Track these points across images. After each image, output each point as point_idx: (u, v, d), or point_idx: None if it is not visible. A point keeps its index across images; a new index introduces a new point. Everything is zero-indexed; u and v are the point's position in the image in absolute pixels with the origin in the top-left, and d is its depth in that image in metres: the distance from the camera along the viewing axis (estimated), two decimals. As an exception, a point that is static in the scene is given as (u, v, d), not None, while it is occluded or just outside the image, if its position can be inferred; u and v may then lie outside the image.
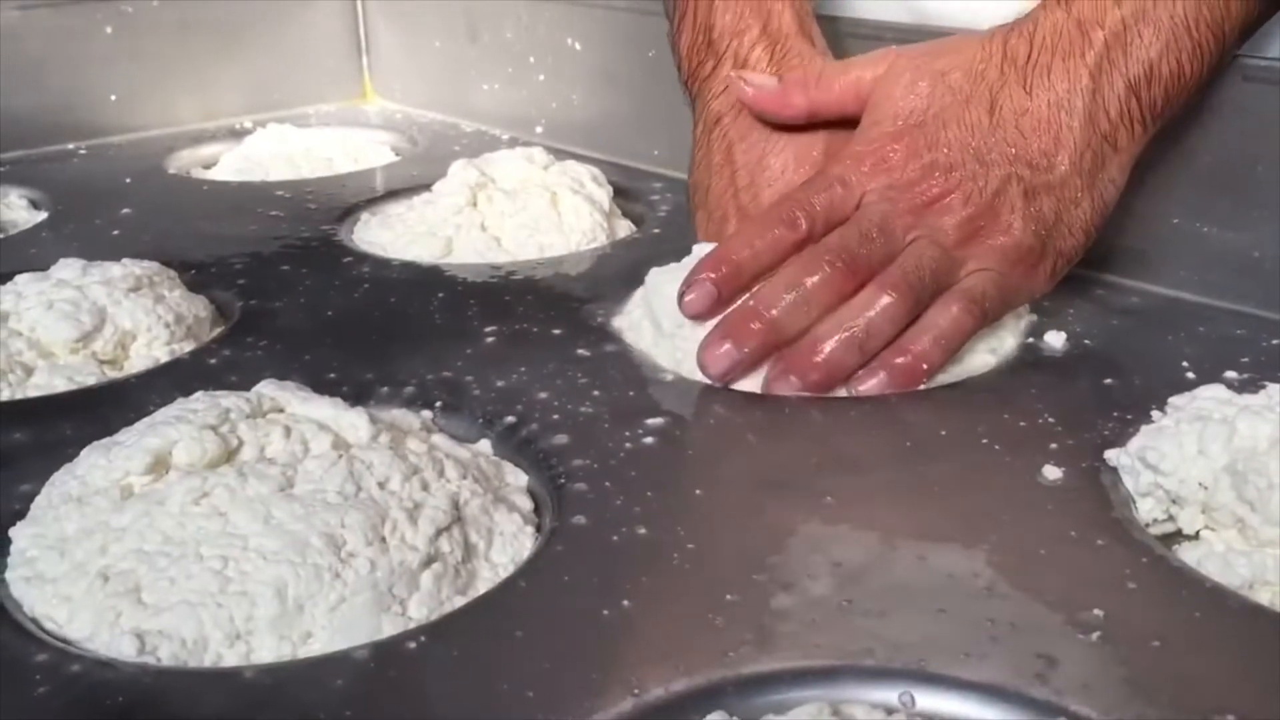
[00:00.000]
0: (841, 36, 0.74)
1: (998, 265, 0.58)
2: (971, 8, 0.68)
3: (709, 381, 0.57)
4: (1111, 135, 0.58)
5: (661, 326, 0.60)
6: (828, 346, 0.55)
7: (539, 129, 1.02)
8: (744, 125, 0.66)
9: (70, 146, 1.06)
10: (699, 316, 0.58)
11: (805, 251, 0.57)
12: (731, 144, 0.67)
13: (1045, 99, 0.58)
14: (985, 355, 0.59)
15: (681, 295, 0.58)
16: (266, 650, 0.40)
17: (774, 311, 0.56)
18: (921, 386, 0.56)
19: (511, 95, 1.05)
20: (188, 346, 0.64)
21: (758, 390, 0.56)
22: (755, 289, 0.57)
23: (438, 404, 0.56)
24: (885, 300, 0.55)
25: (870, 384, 0.56)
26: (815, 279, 0.56)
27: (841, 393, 0.56)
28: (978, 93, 0.58)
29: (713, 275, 0.57)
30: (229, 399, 0.48)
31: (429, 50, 1.14)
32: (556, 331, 0.64)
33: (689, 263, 0.60)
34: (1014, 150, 0.58)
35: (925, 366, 0.56)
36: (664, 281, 0.61)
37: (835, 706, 0.35)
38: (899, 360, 0.56)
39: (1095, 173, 0.58)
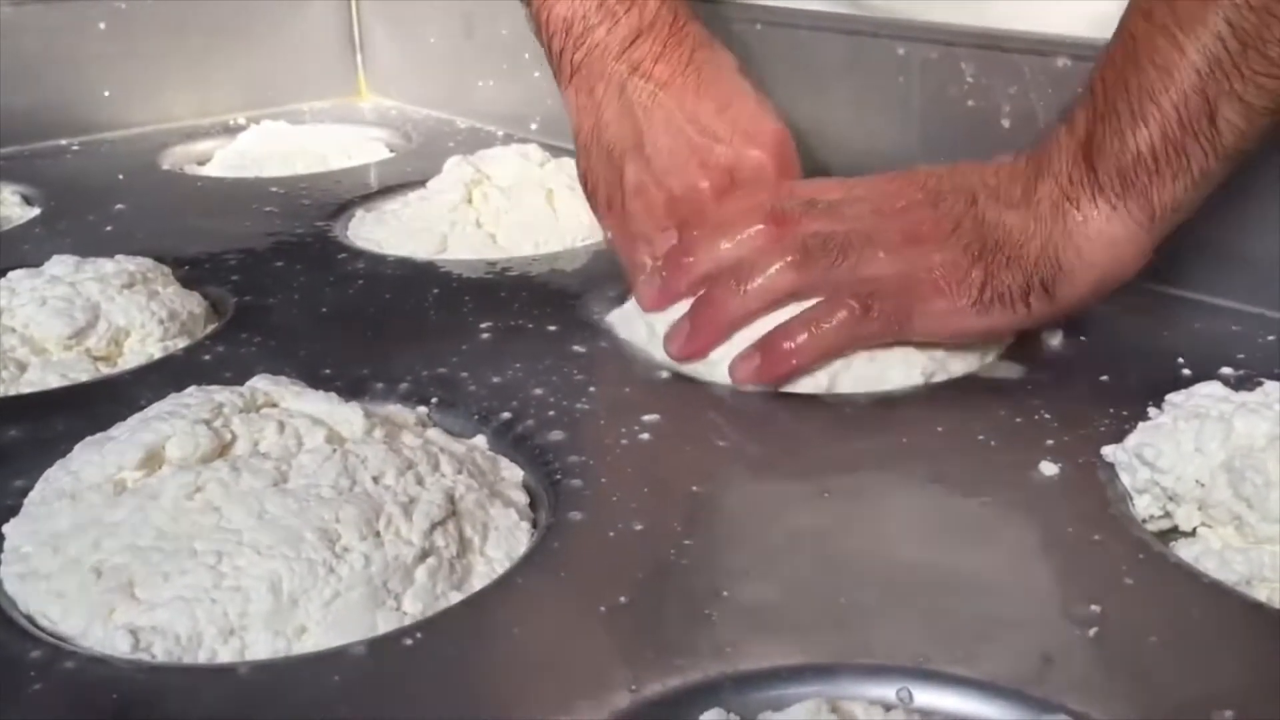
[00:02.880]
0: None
1: (913, 270, 0.56)
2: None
3: (706, 379, 0.57)
4: (1072, 193, 0.56)
5: (655, 325, 0.60)
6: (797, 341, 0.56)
7: (534, 125, 1.02)
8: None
9: (64, 142, 1.06)
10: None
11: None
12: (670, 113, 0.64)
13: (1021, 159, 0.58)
14: (980, 351, 0.59)
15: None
16: (261, 645, 0.40)
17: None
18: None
19: (507, 92, 1.05)
20: (181, 343, 0.64)
21: (755, 387, 0.56)
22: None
23: (433, 399, 0.56)
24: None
25: (745, 370, 0.56)
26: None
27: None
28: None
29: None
30: (222, 394, 0.48)
31: (424, 47, 1.14)
32: (552, 328, 0.64)
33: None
34: (977, 177, 0.58)
35: (795, 362, 0.55)
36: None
37: (833, 703, 0.35)
38: (777, 348, 0.55)
39: (1054, 218, 0.56)
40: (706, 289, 0.58)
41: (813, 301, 0.56)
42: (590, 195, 0.67)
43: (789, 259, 0.56)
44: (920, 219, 0.57)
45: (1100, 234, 0.55)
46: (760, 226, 0.57)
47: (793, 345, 0.55)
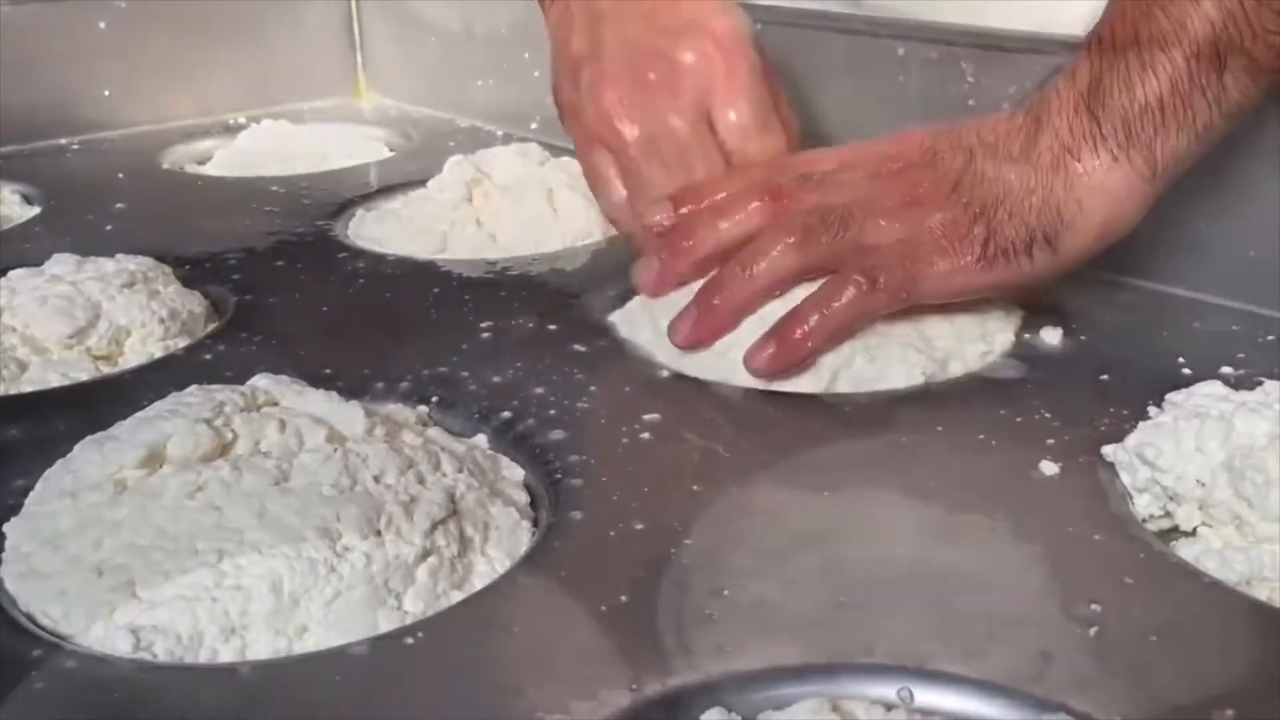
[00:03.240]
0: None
1: (915, 233, 0.56)
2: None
3: (706, 378, 0.57)
4: (1073, 145, 0.56)
5: (658, 322, 0.60)
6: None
7: (534, 125, 1.02)
8: None
9: (64, 142, 1.06)
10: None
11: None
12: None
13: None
14: (980, 350, 0.59)
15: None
16: (262, 645, 0.40)
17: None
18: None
19: (506, 91, 1.05)
20: (182, 342, 0.64)
21: (759, 385, 0.56)
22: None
23: (433, 399, 0.56)
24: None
25: (761, 360, 0.56)
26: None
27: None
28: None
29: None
30: (223, 393, 0.48)
31: (423, 46, 1.14)
32: (552, 327, 0.64)
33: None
34: (974, 134, 0.58)
35: (810, 345, 0.55)
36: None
37: (834, 702, 0.35)
38: (790, 333, 0.55)
39: (1054, 171, 0.56)
40: (712, 276, 0.58)
41: (819, 282, 0.56)
42: (557, 107, 0.68)
43: (791, 239, 0.56)
44: (918, 180, 0.57)
45: (1102, 185, 0.55)
46: (757, 204, 0.58)
47: (806, 329, 0.55)
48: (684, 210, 0.60)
